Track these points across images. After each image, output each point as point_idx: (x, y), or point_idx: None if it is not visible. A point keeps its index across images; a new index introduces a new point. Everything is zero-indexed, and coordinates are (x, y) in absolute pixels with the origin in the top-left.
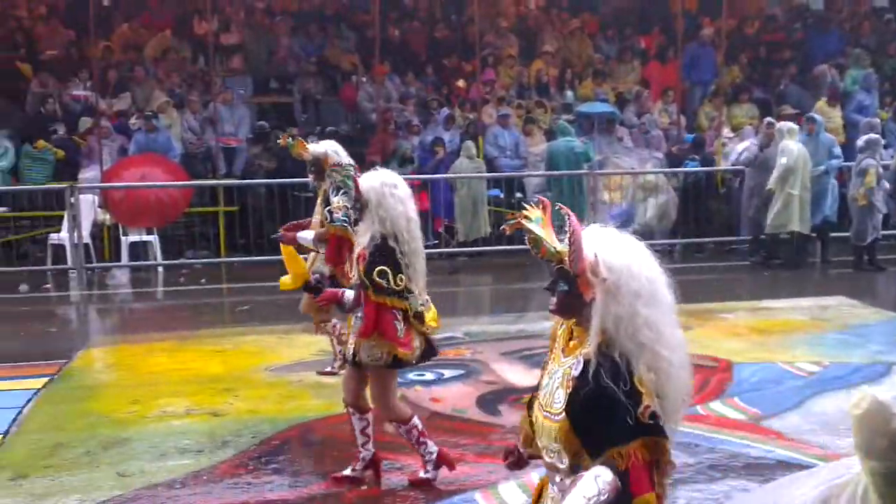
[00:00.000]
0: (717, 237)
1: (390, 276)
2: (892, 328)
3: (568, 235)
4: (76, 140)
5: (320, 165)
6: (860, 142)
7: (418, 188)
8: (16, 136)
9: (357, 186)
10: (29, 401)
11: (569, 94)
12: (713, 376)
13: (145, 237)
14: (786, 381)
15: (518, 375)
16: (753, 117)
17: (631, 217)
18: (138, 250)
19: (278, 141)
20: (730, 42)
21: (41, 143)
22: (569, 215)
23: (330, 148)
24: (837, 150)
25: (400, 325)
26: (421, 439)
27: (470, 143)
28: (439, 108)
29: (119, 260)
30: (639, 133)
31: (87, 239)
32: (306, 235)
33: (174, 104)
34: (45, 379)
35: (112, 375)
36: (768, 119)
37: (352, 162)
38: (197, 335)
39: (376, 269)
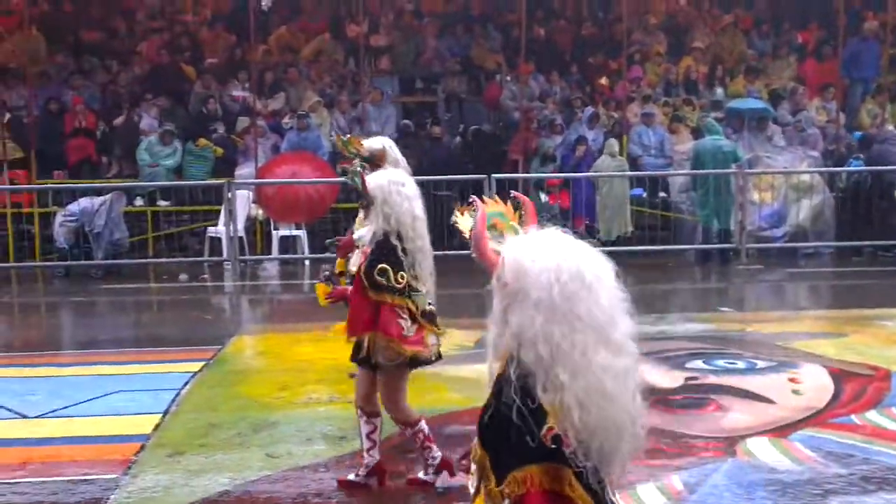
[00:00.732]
0: (878, 240)
1: (390, 274)
2: None
3: (469, 231)
4: (234, 139)
5: (377, 161)
6: None
7: (560, 186)
8: (180, 134)
9: (364, 184)
10: (186, 383)
11: (719, 91)
12: (870, 385)
13: (294, 232)
14: None
15: (659, 377)
16: None
17: (783, 218)
18: (288, 244)
19: (331, 138)
20: (895, 37)
21: (202, 141)
22: (478, 210)
23: (386, 143)
24: None
25: (406, 324)
26: (426, 444)
27: (613, 141)
28: (583, 107)
29: (270, 253)
30: (793, 131)
31: (241, 232)
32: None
33: (325, 104)
34: (201, 363)
35: (262, 362)
36: None
37: (400, 159)
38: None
39: (377, 268)
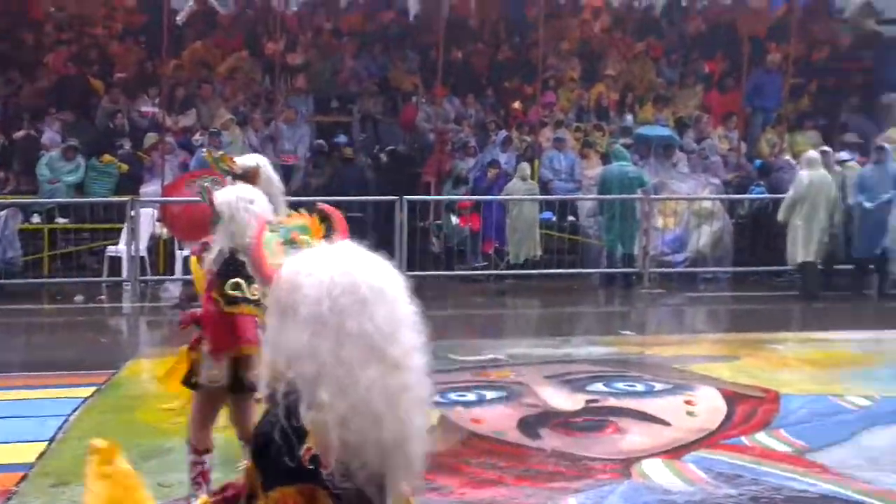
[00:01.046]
0: (771, 266)
1: (244, 287)
2: None
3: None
4: (140, 155)
5: (250, 179)
6: None
7: (471, 209)
8: (84, 150)
9: (212, 200)
10: (76, 409)
11: (628, 117)
12: (760, 407)
13: None
14: (835, 415)
15: (561, 399)
16: (816, 145)
17: (684, 243)
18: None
19: (202, 154)
20: (798, 69)
21: (107, 157)
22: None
23: (261, 161)
24: None
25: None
26: (199, 480)
27: (525, 165)
28: (497, 130)
29: (173, 273)
30: (697, 158)
31: (143, 252)
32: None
33: (238, 122)
34: (94, 388)
35: (158, 386)
36: (822, 147)
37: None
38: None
39: (229, 282)
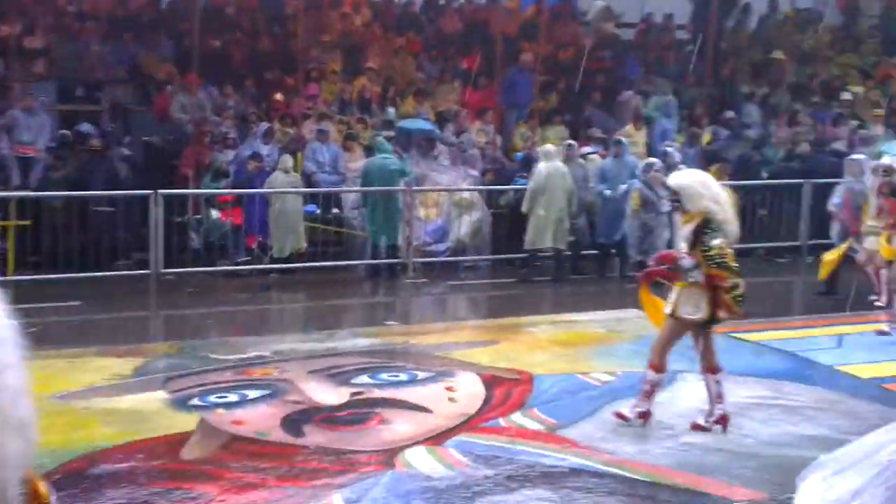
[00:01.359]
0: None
1: None
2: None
3: None
4: None
5: None
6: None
7: (232, 203)
8: None
9: None
10: None
11: (390, 111)
12: (516, 388)
13: None
14: (582, 392)
15: (325, 394)
16: (564, 139)
17: (446, 233)
18: None
19: None
20: (547, 67)
21: None
22: None
23: None
24: (638, 172)
25: None
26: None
27: (286, 157)
28: (258, 122)
29: None
30: (457, 151)
31: None
32: None
33: None
34: None
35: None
36: (567, 141)
37: None
38: None
39: None
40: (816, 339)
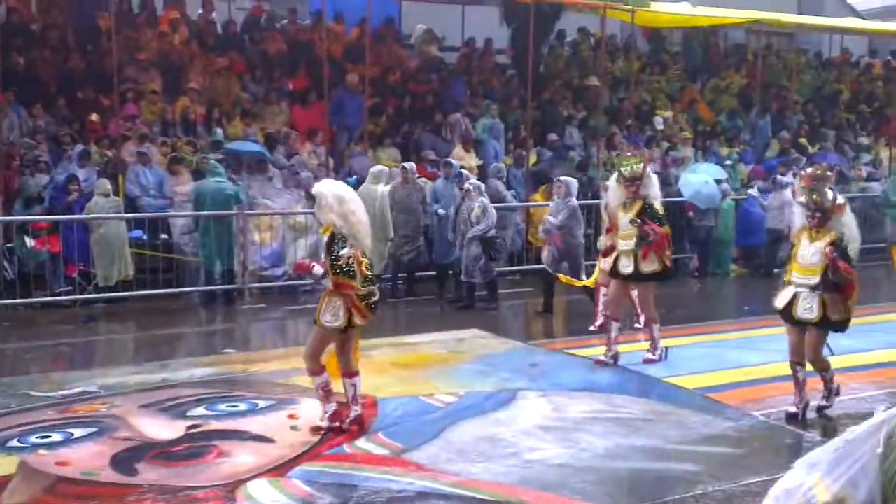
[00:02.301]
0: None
1: None
2: (517, 356)
3: None
4: None
5: None
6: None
7: (48, 230)
8: None
9: None
10: None
11: (218, 131)
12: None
13: None
14: (426, 414)
15: (159, 429)
16: (396, 160)
17: (282, 257)
18: None
19: None
20: (375, 89)
21: None
22: None
23: None
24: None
25: None
26: None
27: (104, 181)
28: (73, 144)
29: None
30: (289, 174)
31: None
32: None
33: None
34: None
35: None
36: (403, 164)
37: None
38: None
39: None
40: (643, 352)
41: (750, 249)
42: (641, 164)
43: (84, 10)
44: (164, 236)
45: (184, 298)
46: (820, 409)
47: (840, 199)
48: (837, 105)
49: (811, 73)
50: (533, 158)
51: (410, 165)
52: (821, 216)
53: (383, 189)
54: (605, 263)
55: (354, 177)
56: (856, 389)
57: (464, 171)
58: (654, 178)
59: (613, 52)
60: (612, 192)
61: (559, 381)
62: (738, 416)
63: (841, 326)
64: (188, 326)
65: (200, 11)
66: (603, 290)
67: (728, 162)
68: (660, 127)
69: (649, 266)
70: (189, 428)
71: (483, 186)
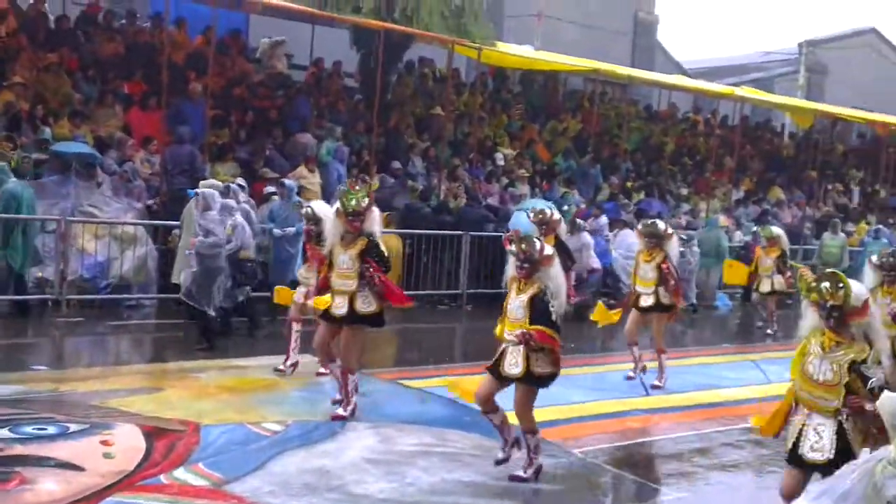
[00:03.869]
0: None
1: None
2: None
3: None
4: None
5: None
6: None
7: None
8: None
9: None
10: None
11: (46, 130)
12: (180, 441)
13: None
14: (251, 443)
15: None
16: (236, 175)
17: (106, 269)
18: None
19: None
20: (217, 101)
21: None
22: None
23: None
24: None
25: None
26: None
27: None
28: None
29: None
30: (119, 181)
31: None
32: None
33: None
34: None
35: None
36: (282, 180)
37: None
38: None
39: None
40: None
41: None
42: (367, 199)
43: None
44: None
45: None
46: (515, 479)
47: (548, 251)
48: (662, 156)
49: (640, 123)
50: (375, 184)
51: (290, 183)
52: (529, 266)
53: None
54: (298, 295)
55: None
56: (667, 430)
57: (231, 185)
58: (377, 215)
59: (459, 86)
60: (331, 225)
61: (389, 413)
62: (559, 452)
63: (545, 381)
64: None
65: (31, 2)
66: (295, 326)
67: (566, 207)
68: (500, 163)
69: (365, 307)
70: None
71: (235, 204)
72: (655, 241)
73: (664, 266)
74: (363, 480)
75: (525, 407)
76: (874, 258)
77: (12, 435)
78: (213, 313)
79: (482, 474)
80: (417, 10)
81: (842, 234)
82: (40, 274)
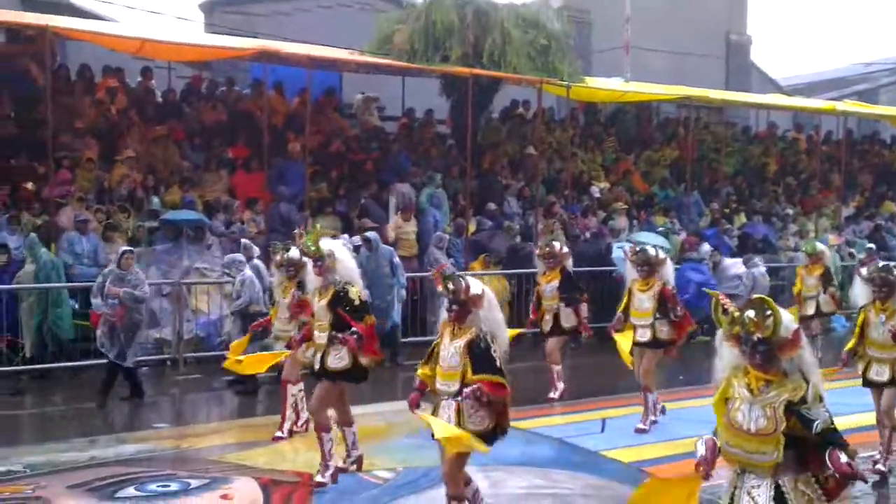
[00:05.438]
0: None
1: None
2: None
3: None
4: None
5: None
6: None
7: None
8: None
9: None
10: None
11: (155, 200)
12: (295, 492)
13: None
14: (363, 491)
15: None
16: (336, 229)
17: (219, 326)
18: None
19: None
20: (316, 158)
21: None
22: None
23: None
24: (396, 260)
25: None
26: None
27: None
28: (4, 210)
29: None
30: (228, 241)
31: None
32: None
33: None
34: None
35: None
36: (365, 235)
37: None
38: None
39: None
40: (581, 424)
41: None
42: (314, 245)
43: (17, 76)
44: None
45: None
46: None
47: (477, 290)
48: (765, 178)
49: (739, 146)
50: (472, 227)
51: (374, 235)
52: (458, 309)
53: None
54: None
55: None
56: None
57: (243, 240)
58: (347, 261)
59: (550, 123)
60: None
61: (497, 455)
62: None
63: (491, 437)
64: (119, 399)
65: (140, 79)
66: (291, 389)
67: (660, 228)
68: (596, 196)
69: (337, 361)
70: None
71: (243, 259)
72: (648, 268)
73: (666, 292)
74: None
75: (454, 469)
76: (864, 271)
77: (138, 493)
78: (130, 365)
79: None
80: (504, 54)
81: None
82: (158, 335)
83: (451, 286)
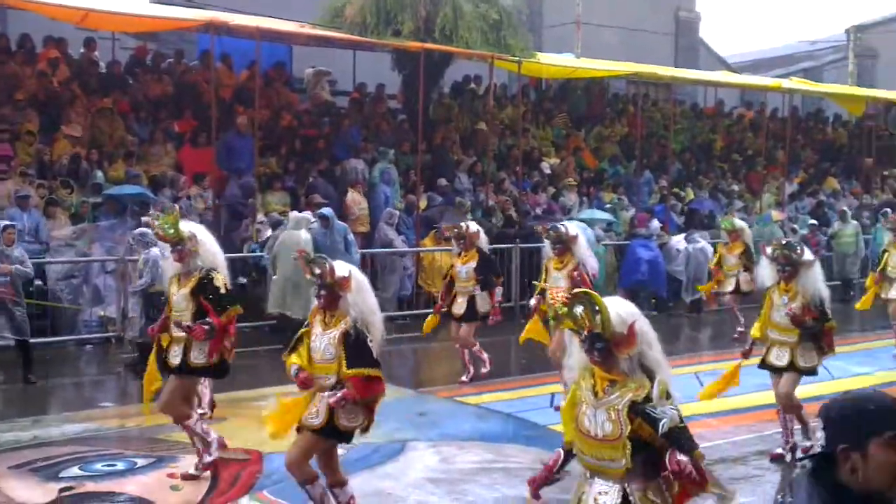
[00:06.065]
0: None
1: None
2: (406, 405)
3: None
4: None
5: None
6: None
7: None
8: None
9: None
10: None
11: (98, 174)
12: (244, 470)
13: None
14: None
15: (29, 491)
16: (286, 205)
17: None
18: None
19: None
20: (265, 133)
21: None
22: None
23: None
24: (351, 237)
25: None
26: None
27: None
28: None
29: None
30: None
31: None
32: None
33: None
34: None
35: None
36: (321, 212)
37: None
38: None
39: None
40: (532, 399)
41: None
42: (172, 227)
43: None
44: (38, 283)
45: (60, 347)
46: None
47: (343, 272)
48: (712, 154)
49: (687, 122)
50: (423, 203)
51: (329, 212)
52: (326, 294)
53: (306, 235)
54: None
55: None
56: (728, 433)
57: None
58: (211, 244)
59: (501, 99)
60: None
61: (449, 431)
62: None
63: (349, 437)
64: (63, 378)
65: (83, 50)
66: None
67: (608, 205)
68: (547, 172)
69: (201, 358)
70: (62, 490)
71: (150, 237)
72: (562, 246)
73: (576, 273)
74: (426, 500)
75: (304, 458)
76: (768, 250)
77: (83, 473)
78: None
79: (546, 489)
80: (456, 28)
81: (853, 222)
82: (103, 313)
83: (316, 270)
